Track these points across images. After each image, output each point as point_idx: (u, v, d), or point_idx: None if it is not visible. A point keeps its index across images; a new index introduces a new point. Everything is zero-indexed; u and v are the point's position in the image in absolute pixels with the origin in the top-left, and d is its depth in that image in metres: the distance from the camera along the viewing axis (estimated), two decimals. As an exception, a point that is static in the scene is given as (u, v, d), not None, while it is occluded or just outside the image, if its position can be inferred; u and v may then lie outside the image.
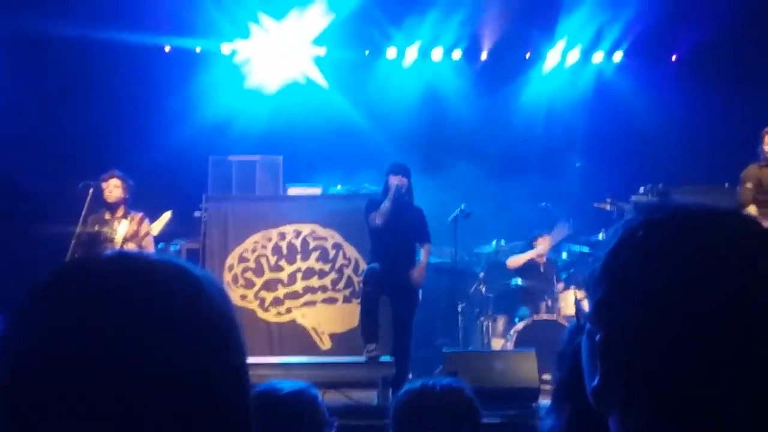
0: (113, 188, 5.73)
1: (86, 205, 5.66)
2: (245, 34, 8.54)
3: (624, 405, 0.70)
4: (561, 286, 6.96)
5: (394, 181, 5.55)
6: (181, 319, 0.63)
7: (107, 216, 5.75)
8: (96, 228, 5.68)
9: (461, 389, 1.81)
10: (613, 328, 0.70)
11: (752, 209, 5.53)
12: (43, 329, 0.61)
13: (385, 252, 5.46)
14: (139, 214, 5.74)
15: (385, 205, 5.49)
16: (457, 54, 9.11)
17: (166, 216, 5.69)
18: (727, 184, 6.88)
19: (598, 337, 0.71)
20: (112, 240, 5.66)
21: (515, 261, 7.12)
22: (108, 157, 6.61)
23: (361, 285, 5.68)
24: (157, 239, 6.26)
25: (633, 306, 0.68)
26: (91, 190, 5.71)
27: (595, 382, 0.72)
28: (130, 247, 5.58)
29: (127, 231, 5.67)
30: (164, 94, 8.31)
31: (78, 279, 0.65)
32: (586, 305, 0.78)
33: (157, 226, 5.66)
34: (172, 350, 0.61)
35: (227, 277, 6.56)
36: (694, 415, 0.66)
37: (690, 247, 0.68)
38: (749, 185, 5.57)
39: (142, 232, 5.66)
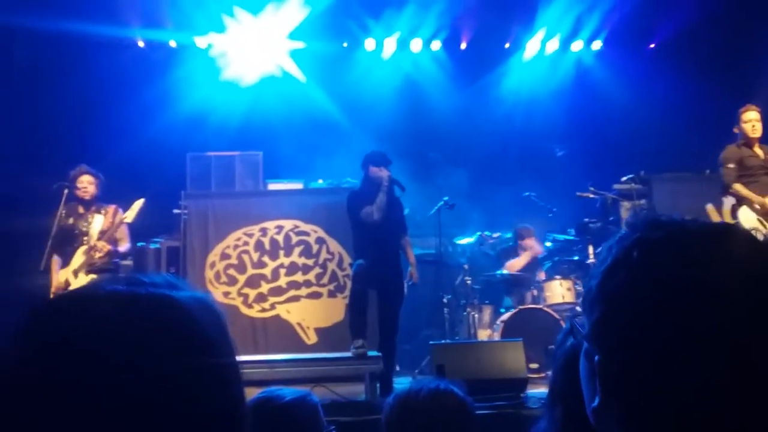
0: (87, 184, 5.68)
1: (61, 204, 5.58)
2: (221, 28, 8.41)
3: (623, 426, 0.69)
4: (542, 275, 6.97)
5: (379, 172, 5.40)
6: (169, 353, 0.64)
7: (81, 210, 5.69)
8: (71, 222, 5.61)
9: (450, 392, 1.76)
10: (611, 350, 0.70)
11: (738, 187, 5.55)
12: (29, 367, 0.61)
13: (374, 246, 5.29)
14: (112, 207, 5.71)
15: (381, 198, 5.30)
16: (436, 45, 9.06)
17: (139, 203, 5.62)
18: (708, 171, 6.93)
19: (596, 358, 0.71)
20: (87, 234, 5.59)
21: (514, 265, 7.13)
22: (82, 154, 6.47)
23: (350, 282, 5.56)
24: (136, 236, 6.17)
25: (628, 329, 0.68)
26: (65, 191, 5.61)
27: (595, 403, 0.72)
28: (101, 244, 5.51)
29: (103, 225, 5.61)
30: (139, 89, 8.15)
31: (64, 318, 0.65)
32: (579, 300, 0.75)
33: (131, 214, 5.60)
34: (162, 386, 0.62)
35: (209, 274, 6.46)
36: None
37: (686, 268, 0.67)
38: (731, 165, 5.61)
39: (116, 223, 5.60)
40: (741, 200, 5.59)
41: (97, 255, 5.50)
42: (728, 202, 5.84)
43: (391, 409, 1.78)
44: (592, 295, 0.73)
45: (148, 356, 0.62)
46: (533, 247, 7.23)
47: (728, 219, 5.77)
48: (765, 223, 5.47)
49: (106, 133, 7.74)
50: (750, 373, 0.63)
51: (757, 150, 5.65)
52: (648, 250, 0.69)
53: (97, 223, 5.62)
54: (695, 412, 0.65)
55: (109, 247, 5.53)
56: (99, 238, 5.56)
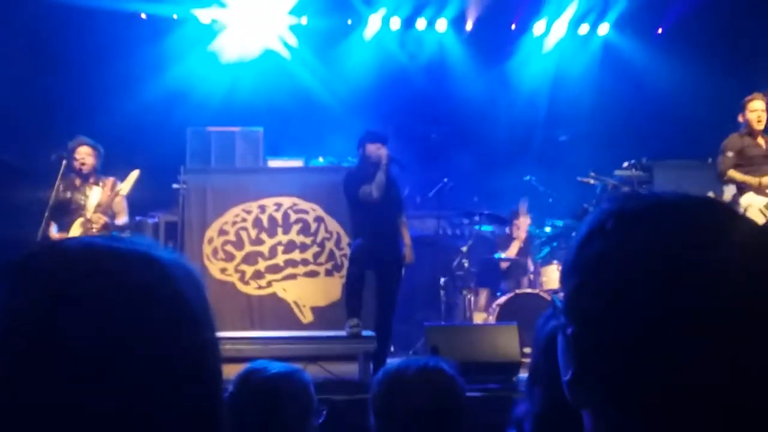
0: (85, 156, 5.63)
1: (59, 175, 5.55)
2: (222, 2, 8.32)
3: (597, 399, 0.69)
4: (529, 261, 7.01)
5: (376, 150, 5.33)
6: (144, 308, 0.62)
7: (78, 182, 5.65)
8: (68, 195, 5.58)
9: (439, 368, 1.74)
10: (583, 322, 0.69)
11: (732, 173, 5.51)
12: (4, 317, 0.60)
13: (373, 226, 5.24)
14: (111, 179, 5.67)
15: (380, 176, 5.22)
16: (442, 24, 8.96)
17: (134, 175, 5.59)
18: (710, 159, 6.87)
19: (569, 330, 0.70)
20: (84, 206, 5.57)
21: (507, 254, 7.10)
22: (82, 125, 6.44)
23: (348, 263, 5.55)
24: (135, 210, 6.16)
25: (601, 300, 0.67)
26: (64, 162, 5.58)
27: (569, 376, 0.71)
28: (96, 216, 5.49)
29: (100, 197, 5.58)
30: (141, 61, 8.10)
31: (42, 269, 0.63)
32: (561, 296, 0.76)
33: (126, 186, 5.58)
34: (135, 339, 0.60)
35: (207, 249, 6.46)
36: (666, 408, 0.65)
37: (658, 240, 0.66)
38: (730, 154, 5.57)
39: (114, 194, 5.58)
40: (742, 188, 5.55)
41: (94, 227, 5.49)
42: (729, 190, 5.80)
43: (379, 385, 1.76)
44: (567, 267, 0.72)
45: (126, 310, 0.60)
46: (524, 225, 7.19)
47: (728, 208, 5.73)
48: (766, 212, 5.43)
49: (107, 106, 7.70)
50: (722, 346, 0.62)
51: (760, 140, 5.60)
52: (622, 220, 0.69)
53: (94, 195, 5.60)
54: (672, 384, 0.64)
55: (105, 219, 5.51)
56: (95, 211, 5.54)
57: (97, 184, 5.66)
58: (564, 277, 0.73)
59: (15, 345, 0.58)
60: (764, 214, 5.41)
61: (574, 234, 0.75)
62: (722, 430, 0.63)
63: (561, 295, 0.76)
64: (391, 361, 1.87)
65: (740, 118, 5.64)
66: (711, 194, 6.12)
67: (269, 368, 1.85)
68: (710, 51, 8.11)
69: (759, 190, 5.44)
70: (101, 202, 5.59)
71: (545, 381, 1.31)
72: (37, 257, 0.64)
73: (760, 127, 5.56)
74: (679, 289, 0.63)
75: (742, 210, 5.47)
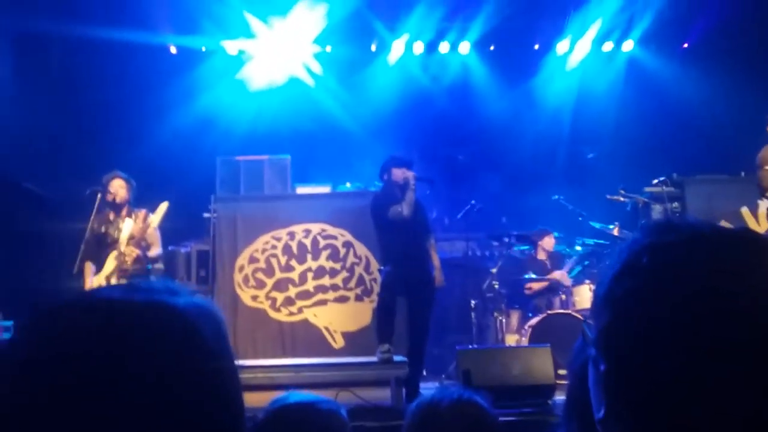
0: (118, 189, 5.75)
1: (94, 210, 5.68)
2: (250, 33, 8.51)
3: None
4: (565, 276, 6.91)
5: (403, 174, 5.34)
6: (158, 362, 0.64)
7: (111, 216, 5.77)
8: (103, 229, 5.70)
9: (473, 401, 1.73)
10: (617, 359, 0.68)
11: None
12: (24, 374, 0.62)
13: (402, 250, 5.24)
14: (143, 211, 5.76)
15: (410, 195, 5.23)
16: (465, 47, 9.01)
17: (163, 207, 5.68)
18: (743, 173, 6.75)
19: (602, 367, 0.69)
20: (117, 240, 5.68)
21: (533, 287, 7.03)
22: (114, 159, 6.61)
23: (379, 288, 5.55)
24: (168, 240, 6.25)
25: (635, 339, 0.66)
26: (99, 195, 5.72)
27: (601, 414, 0.70)
28: (129, 249, 5.58)
29: (132, 230, 5.68)
30: (171, 94, 8.30)
31: (63, 326, 0.65)
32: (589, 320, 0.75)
33: (156, 218, 5.66)
34: (152, 392, 0.62)
35: (238, 277, 6.53)
36: None
37: (692, 278, 0.65)
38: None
39: (146, 227, 5.67)
40: (781, 201, 5.43)
41: (127, 260, 5.58)
42: (763, 205, 5.68)
43: (413, 416, 1.76)
44: (600, 302, 0.71)
45: (142, 363, 0.62)
46: (541, 249, 7.13)
47: (764, 222, 5.61)
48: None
49: (139, 138, 7.90)
50: (759, 384, 0.61)
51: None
52: (658, 256, 0.67)
53: (126, 227, 5.70)
54: (703, 423, 0.63)
55: (137, 251, 5.61)
56: (128, 244, 5.64)
57: (129, 216, 5.76)
58: (596, 310, 0.72)
59: (32, 397, 0.60)
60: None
61: (607, 264, 0.75)
62: None
63: (591, 322, 0.75)
64: (426, 392, 1.86)
65: None
66: (745, 209, 6.02)
67: (299, 398, 1.84)
68: (735, 65, 8.01)
69: None
70: (134, 234, 5.68)
71: (582, 409, 1.29)
72: (60, 313, 0.66)
73: None
74: (713, 324, 0.62)
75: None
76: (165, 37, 8.43)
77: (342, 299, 6.50)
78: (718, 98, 7.95)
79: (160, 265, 6.28)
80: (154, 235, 5.78)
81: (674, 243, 0.68)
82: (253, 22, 8.38)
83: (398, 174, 5.37)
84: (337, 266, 6.56)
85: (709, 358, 0.62)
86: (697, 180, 7.26)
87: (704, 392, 0.62)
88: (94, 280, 5.60)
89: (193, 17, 8.15)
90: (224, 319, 0.73)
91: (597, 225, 7.16)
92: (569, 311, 6.36)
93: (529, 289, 6.98)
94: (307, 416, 1.73)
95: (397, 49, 8.93)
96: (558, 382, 5.18)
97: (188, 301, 0.69)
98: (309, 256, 6.58)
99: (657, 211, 6.94)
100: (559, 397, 4.96)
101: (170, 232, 6.24)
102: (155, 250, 5.81)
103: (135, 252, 5.60)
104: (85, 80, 8.24)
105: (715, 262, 0.65)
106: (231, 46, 8.69)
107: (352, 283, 6.53)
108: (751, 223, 5.63)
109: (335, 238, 6.64)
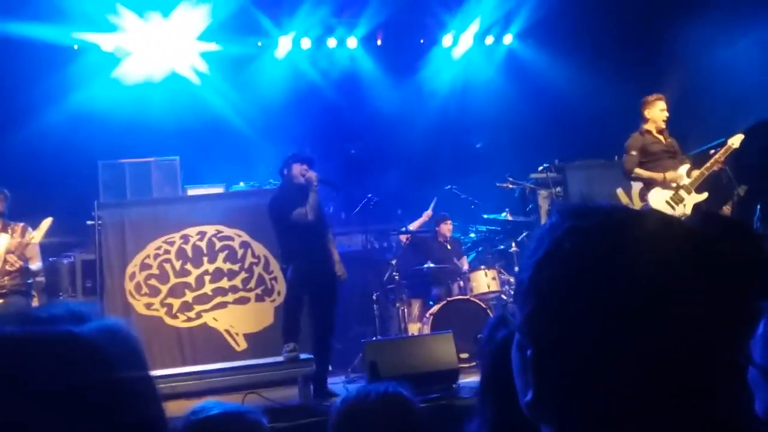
0: None
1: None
2: (118, 27, 8.05)
3: (561, 417, 0.69)
4: (464, 262, 7.16)
5: (305, 172, 5.28)
6: (77, 395, 0.61)
7: None
8: None
9: (399, 393, 1.75)
10: (544, 343, 0.69)
11: (639, 171, 5.81)
12: None
13: (305, 248, 5.19)
14: (20, 225, 5.37)
15: (313, 198, 5.20)
16: (352, 42, 9.05)
17: (47, 222, 5.33)
18: (617, 157, 7.24)
19: (529, 352, 0.70)
20: None
21: (413, 225, 7.37)
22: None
23: (285, 288, 5.46)
24: (47, 253, 5.86)
25: (563, 322, 0.67)
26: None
27: (529, 397, 0.71)
28: (13, 259, 5.18)
29: (9, 243, 5.29)
30: (42, 96, 7.71)
31: None
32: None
33: (39, 234, 5.31)
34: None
35: (129, 286, 6.22)
36: (629, 426, 0.65)
37: (616, 259, 0.67)
38: (634, 152, 5.86)
39: (25, 242, 5.29)
40: (649, 183, 5.86)
41: (9, 270, 5.19)
42: (636, 186, 6.12)
43: (340, 414, 1.75)
44: (525, 288, 0.71)
45: (49, 400, 0.58)
46: (447, 231, 7.43)
47: (637, 201, 6.04)
48: (673, 204, 5.75)
49: (8, 143, 7.30)
50: (681, 363, 0.64)
51: (659, 136, 5.93)
52: (579, 240, 0.69)
53: (2, 242, 5.29)
54: (631, 405, 0.65)
55: (20, 263, 5.23)
56: (5, 257, 5.23)
57: (5, 230, 5.36)
58: (521, 297, 0.72)
59: None
60: (671, 206, 5.74)
61: (527, 249, 0.77)
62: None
63: (511, 307, 0.76)
64: (349, 390, 1.86)
65: (647, 115, 5.89)
66: (620, 190, 6.47)
67: (222, 408, 1.80)
68: (605, 56, 8.54)
69: (664, 184, 5.77)
70: (10, 249, 5.29)
71: (499, 394, 1.31)
72: None
73: (663, 125, 5.88)
74: (634, 310, 0.65)
75: (649, 202, 5.79)
76: (31, 27, 7.71)
77: (242, 300, 6.35)
78: (592, 88, 8.45)
79: (41, 278, 5.88)
80: (33, 249, 5.42)
81: (592, 226, 0.70)
82: (128, 16, 7.95)
83: (298, 170, 5.30)
84: (236, 267, 6.40)
85: (627, 333, 0.65)
86: (576, 165, 7.72)
87: (618, 361, 0.64)
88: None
89: (62, 8, 7.56)
90: (138, 337, 0.69)
91: (489, 216, 7.48)
92: (468, 297, 6.57)
93: (429, 276, 7.16)
94: (233, 427, 1.69)
95: (284, 44, 8.81)
96: (461, 366, 5.35)
97: (96, 326, 0.65)
98: (205, 259, 6.38)
99: (543, 196, 7.32)
100: (463, 380, 5.13)
101: (49, 243, 5.84)
102: (35, 264, 5.44)
103: (18, 263, 5.21)
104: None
105: (632, 244, 0.68)
106: (106, 42, 8.19)
107: (252, 284, 6.40)
108: (626, 203, 6.05)
109: (231, 239, 6.48)
